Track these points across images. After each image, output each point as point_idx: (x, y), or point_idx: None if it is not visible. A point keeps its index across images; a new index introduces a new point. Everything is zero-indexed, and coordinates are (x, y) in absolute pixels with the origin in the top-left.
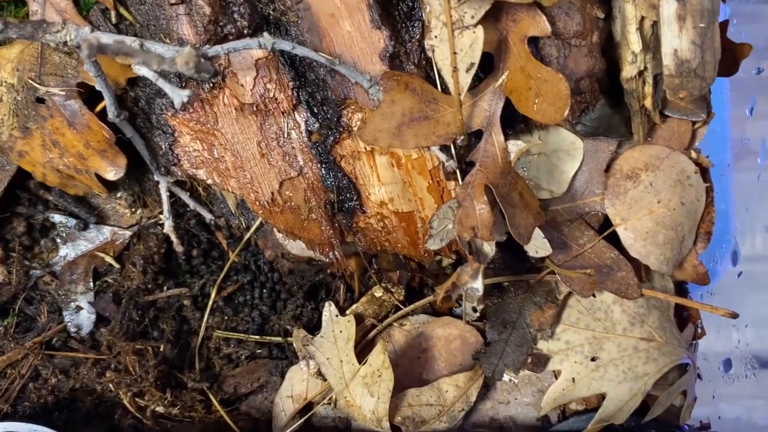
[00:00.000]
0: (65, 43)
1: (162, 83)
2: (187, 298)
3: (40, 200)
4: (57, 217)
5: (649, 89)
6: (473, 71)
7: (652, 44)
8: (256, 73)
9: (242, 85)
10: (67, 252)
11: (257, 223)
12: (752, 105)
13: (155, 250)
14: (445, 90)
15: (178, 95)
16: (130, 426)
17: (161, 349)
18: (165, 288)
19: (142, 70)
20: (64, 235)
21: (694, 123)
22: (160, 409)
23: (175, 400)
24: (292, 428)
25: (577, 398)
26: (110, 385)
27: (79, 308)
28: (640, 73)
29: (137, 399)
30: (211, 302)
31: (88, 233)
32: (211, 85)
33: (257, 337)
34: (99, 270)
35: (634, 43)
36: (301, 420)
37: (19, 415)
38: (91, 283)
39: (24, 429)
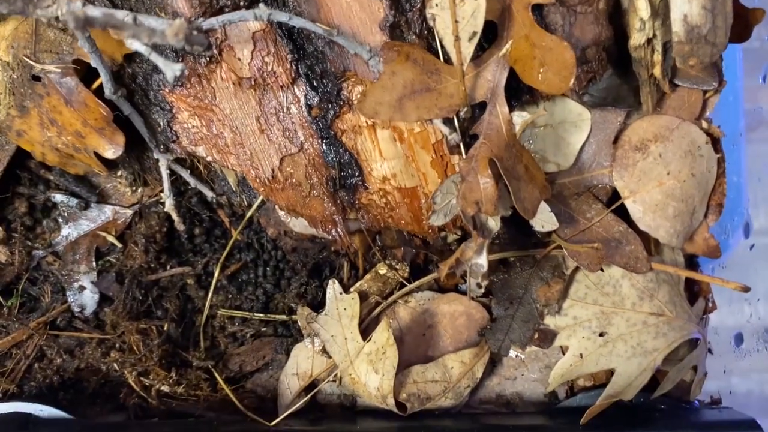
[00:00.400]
0: (57, 18)
1: (155, 57)
2: (190, 276)
3: (41, 180)
4: (58, 197)
5: (658, 57)
6: (476, 40)
7: (661, 10)
8: (253, 46)
9: (239, 59)
10: (69, 232)
11: (259, 200)
12: (765, 73)
13: (157, 229)
14: (448, 60)
15: (171, 69)
16: (135, 405)
17: (165, 328)
18: (168, 267)
19: (134, 45)
20: (65, 214)
21: (705, 92)
22: (165, 388)
23: (180, 379)
24: (297, 405)
25: (585, 374)
26: (115, 365)
27: (82, 288)
28: (649, 41)
29: (142, 378)
30: (214, 281)
31: (90, 212)
32: (208, 59)
33: (262, 315)
34: (101, 249)
35: (642, 9)
36: (307, 397)
37: (25, 395)
38: (94, 263)
39: (30, 409)
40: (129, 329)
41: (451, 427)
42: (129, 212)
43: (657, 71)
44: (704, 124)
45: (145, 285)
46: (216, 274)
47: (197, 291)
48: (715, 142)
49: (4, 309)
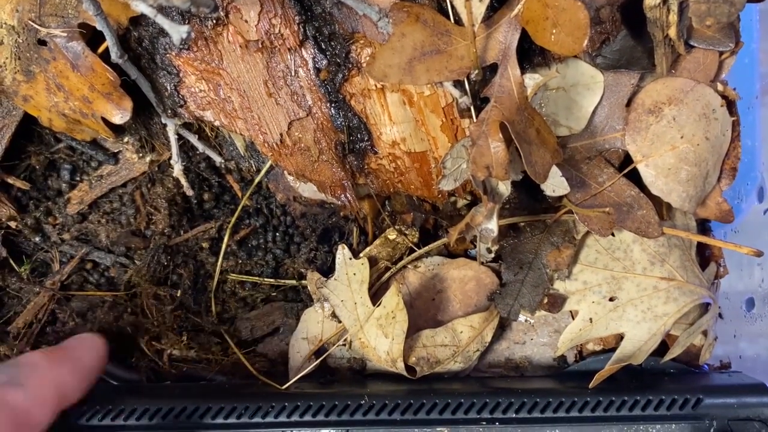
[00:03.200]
0: None
1: (161, 19)
2: (205, 240)
3: (54, 143)
4: (71, 160)
5: (673, 17)
6: (487, 0)
7: None
8: (260, 7)
9: (246, 21)
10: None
11: (267, 165)
12: None
13: (166, 195)
14: (458, 21)
15: (177, 31)
16: (147, 369)
17: (178, 294)
18: (182, 232)
19: (140, 6)
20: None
21: (721, 53)
22: (176, 352)
23: (191, 343)
24: (308, 369)
25: (595, 338)
26: (128, 328)
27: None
28: (665, 0)
29: (154, 342)
30: (224, 246)
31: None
32: (215, 21)
33: (272, 280)
34: (114, 213)
35: None
36: (317, 361)
37: None
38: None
39: None
40: (147, 292)
41: (460, 390)
42: (139, 177)
43: (672, 32)
44: (720, 87)
45: (167, 249)
46: (225, 240)
47: (208, 256)
48: (730, 105)
49: (23, 275)
